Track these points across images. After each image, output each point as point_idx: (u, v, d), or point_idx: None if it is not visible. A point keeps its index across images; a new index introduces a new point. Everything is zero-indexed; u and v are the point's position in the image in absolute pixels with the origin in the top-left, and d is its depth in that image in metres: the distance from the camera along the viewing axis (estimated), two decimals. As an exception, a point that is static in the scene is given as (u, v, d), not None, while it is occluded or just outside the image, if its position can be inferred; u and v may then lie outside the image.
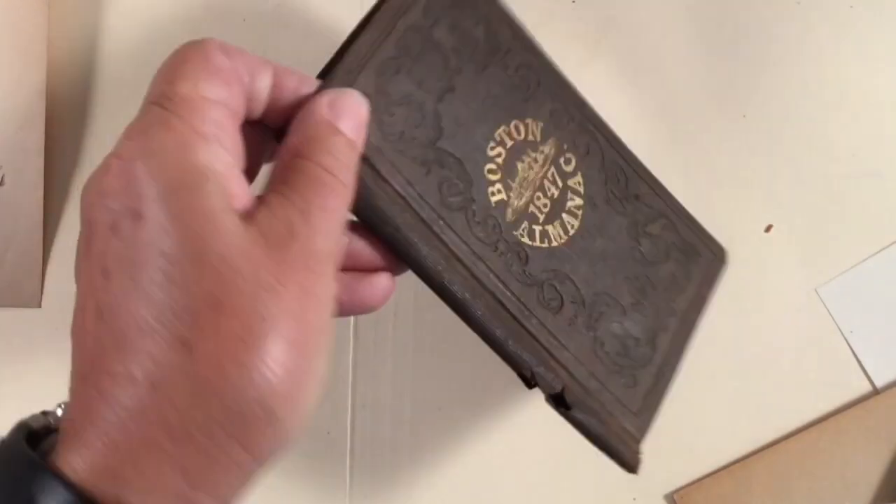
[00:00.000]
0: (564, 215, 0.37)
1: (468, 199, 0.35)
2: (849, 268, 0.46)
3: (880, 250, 0.46)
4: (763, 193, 0.47)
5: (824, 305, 0.46)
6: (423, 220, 0.33)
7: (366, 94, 0.31)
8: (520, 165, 0.36)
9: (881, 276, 0.46)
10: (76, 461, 0.24)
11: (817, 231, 0.46)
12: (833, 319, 0.46)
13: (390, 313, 0.46)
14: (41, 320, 0.46)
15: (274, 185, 0.28)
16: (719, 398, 0.46)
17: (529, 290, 0.36)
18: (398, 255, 0.33)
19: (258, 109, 0.30)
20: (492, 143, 0.36)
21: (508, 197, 0.36)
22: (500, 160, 0.36)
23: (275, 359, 0.25)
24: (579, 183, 0.38)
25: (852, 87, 0.47)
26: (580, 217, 0.38)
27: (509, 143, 0.36)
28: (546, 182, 0.37)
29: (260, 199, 0.27)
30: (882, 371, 0.45)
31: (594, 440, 0.36)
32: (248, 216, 0.26)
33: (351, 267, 0.32)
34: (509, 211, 0.35)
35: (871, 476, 0.44)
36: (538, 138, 0.37)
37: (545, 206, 0.37)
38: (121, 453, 0.24)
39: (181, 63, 0.28)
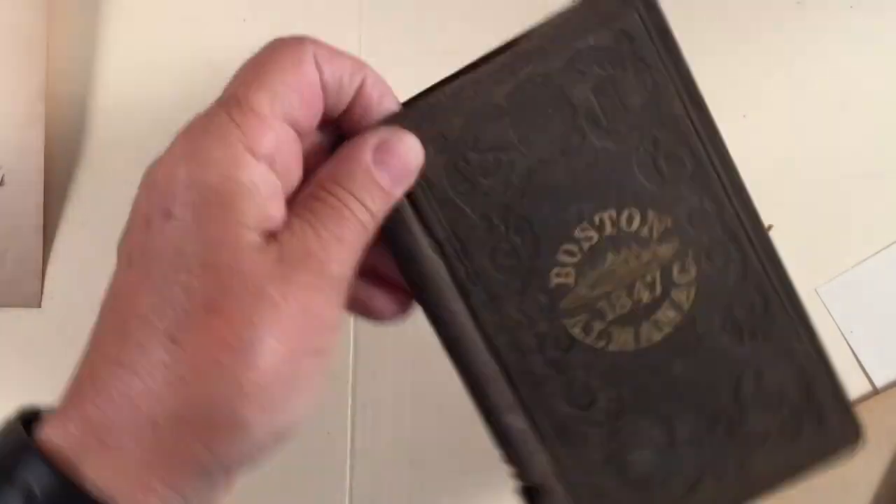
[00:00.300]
0: (645, 324, 0.33)
1: (522, 269, 0.32)
2: (849, 268, 0.46)
3: (880, 250, 0.46)
4: (763, 193, 0.47)
5: (824, 305, 0.46)
6: (453, 275, 0.31)
7: (447, 134, 0.30)
8: (611, 257, 0.32)
9: (881, 276, 0.46)
10: (56, 431, 0.25)
11: (817, 231, 0.46)
12: (833, 319, 0.46)
13: (390, 313, 0.46)
14: (41, 320, 0.46)
15: (298, 210, 0.28)
16: (719, 398, 0.46)
17: (555, 378, 0.33)
18: (415, 296, 0.32)
19: (338, 110, 0.29)
20: (584, 224, 0.32)
21: (576, 284, 0.32)
22: (586, 244, 0.32)
23: (256, 368, 0.25)
24: (687, 297, 0.33)
25: (852, 87, 0.47)
26: (667, 333, 0.33)
27: (609, 231, 0.32)
28: (639, 283, 0.32)
29: (285, 223, 0.27)
30: (882, 371, 0.45)
31: None
32: (273, 236, 0.27)
33: (377, 273, 0.32)
34: (569, 297, 0.32)
35: (871, 476, 0.44)
36: (655, 236, 0.32)
37: (623, 306, 0.32)
38: (92, 431, 0.25)
39: (270, 67, 0.27)
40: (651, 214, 0.32)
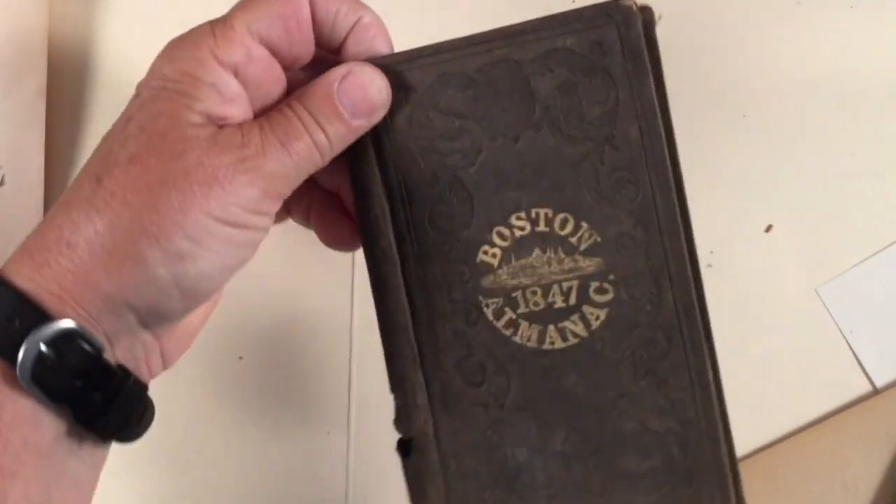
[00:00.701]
0: (552, 328, 0.34)
1: (454, 236, 0.33)
2: (849, 268, 0.46)
3: (880, 250, 0.46)
4: (763, 193, 0.47)
5: (824, 305, 0.46)
6: (394, 219, 0.33)
7: (418, 88, 0.32)
8: (537, 252, 0.33)
9: (881, 276, 0.46)
10: (9, 259, 0.30)
11: (817, 231, 0.46)
12: (833, 319, 0.46)
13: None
14: (41, 320, 0.46)
15: (259, 118, 0.31)
16: (719, 398, 0.46)
17: (456, 348, 0.34)
18: (359, 229, 0.34)
19: (333, 46, 0.33)
20: (521, 214, 0.33)
21: (499, 267, 0.33)
22: (518, 233, 0.33)
23: (157, 212, 0.29)
24: (598, 317, 0.33)
25: (852, 86, 0.47)
26: (571, 344, 0.34)
27: (542, 228, 0.33)
28: (556, 289, 0.33)
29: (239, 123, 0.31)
30: (882, 371, 0.45)
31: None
32: (220, 127, 0.30)
33: (342, 204, 0.36)
34: (490, 278, 0.33)
35: (871, 476, 0.44)
36: (582, 248, 0.33)
37: (536, 304, 0.33)
38: (27, 252, 0.30)
39: None
40: (584, 225, 0.33)
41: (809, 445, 0.44)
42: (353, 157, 0.33)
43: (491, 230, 0.33)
